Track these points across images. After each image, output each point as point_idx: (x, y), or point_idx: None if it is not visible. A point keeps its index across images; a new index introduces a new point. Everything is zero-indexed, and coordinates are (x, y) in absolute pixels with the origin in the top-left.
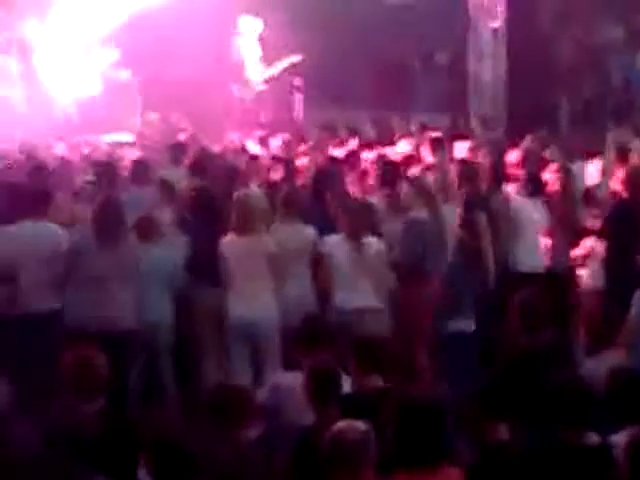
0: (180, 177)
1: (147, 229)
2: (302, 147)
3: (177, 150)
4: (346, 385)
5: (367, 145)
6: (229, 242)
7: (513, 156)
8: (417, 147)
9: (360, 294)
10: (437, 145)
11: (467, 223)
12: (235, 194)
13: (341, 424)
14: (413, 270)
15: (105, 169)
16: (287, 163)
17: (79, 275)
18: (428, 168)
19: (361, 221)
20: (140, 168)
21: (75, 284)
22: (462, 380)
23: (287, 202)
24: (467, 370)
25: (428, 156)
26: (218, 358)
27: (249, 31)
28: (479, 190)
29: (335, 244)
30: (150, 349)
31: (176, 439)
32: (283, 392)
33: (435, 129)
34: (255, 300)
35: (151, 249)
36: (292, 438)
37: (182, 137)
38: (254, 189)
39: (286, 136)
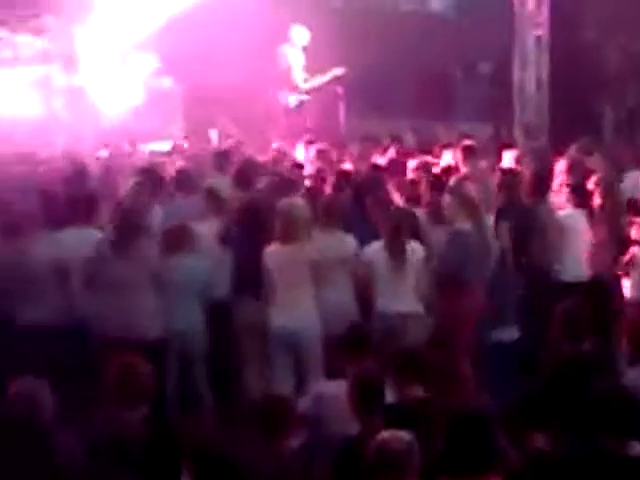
0: (226, 186)
1: (179, 238)
2: (343, 155)
3: (222, 158)
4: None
5: (409, 154)
6: (272, 252)
7: (559, 165)
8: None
9: (401, 299)
10: (468, 154)
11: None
12: (279, 204)
13: (386, 434)
14: (454, 280)
15: (147, 177)
16: (327, 172)
17: (99, 282)
18: (466, 177)
19: (402, 227)
20: (184, 177)
21: (96, 291)
22: (504, 389)
23: (328, 210)
24: (509, 379)
25: (463, 165)
26: (259, 368)
27: (297, 40)
28: (517, 199)
29: (376, 251)
30: (183, 358)
31: (219, 448)
32: (326, 401)
33: (477, 138)
34: (297, 309)
35: (183, 258)
36: (335, 447)
37: (227, 144)
38: (297, 198)
39: (326, 145)
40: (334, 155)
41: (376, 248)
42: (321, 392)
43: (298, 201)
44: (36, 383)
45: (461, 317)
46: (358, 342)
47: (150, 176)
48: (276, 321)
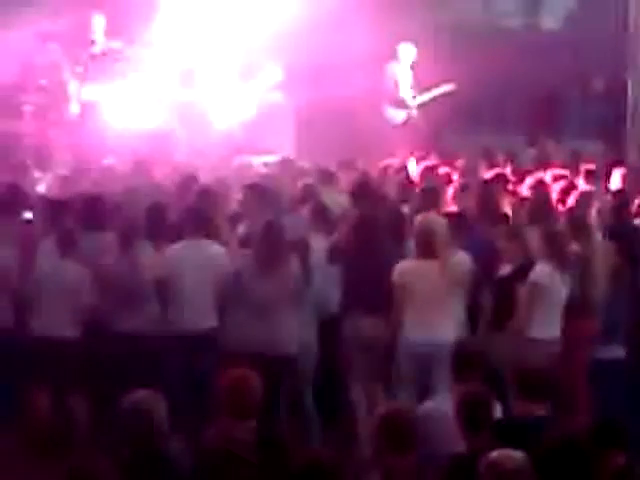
0: (336, 201)
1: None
2: (452, 171)
3: (327, 174)
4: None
5: (524, 171)
6: (407, 267)
7: None
8: (570, 175)
9: None
10: (591, 177)
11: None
12: (417, 219)
13: (498, 452)
14: (575, 304)
15: (257, 192)
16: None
17: (241, 298)
18: (582, 197)
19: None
20: (306, 192)
21: (236, 307)
22: (612, 407)
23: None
24: (617, 397)
25: (582, 186)
26: (366, 384)
27: (405, 58)
28: (628, 218)
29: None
30: (295, 374)
31: (328, 464)
32: (434, 419)
33: (588, 156)
34: (433, 325)
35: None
36: (442, 465)
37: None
38: (435, 214)
39: (435, 160)
40: (444, 171)
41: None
42: (429, 409)
43: (437, 217)
44: (151, 395)
45: (581, 340)
46: (466, 360)
47: (258, 192)
48: (411, 336)
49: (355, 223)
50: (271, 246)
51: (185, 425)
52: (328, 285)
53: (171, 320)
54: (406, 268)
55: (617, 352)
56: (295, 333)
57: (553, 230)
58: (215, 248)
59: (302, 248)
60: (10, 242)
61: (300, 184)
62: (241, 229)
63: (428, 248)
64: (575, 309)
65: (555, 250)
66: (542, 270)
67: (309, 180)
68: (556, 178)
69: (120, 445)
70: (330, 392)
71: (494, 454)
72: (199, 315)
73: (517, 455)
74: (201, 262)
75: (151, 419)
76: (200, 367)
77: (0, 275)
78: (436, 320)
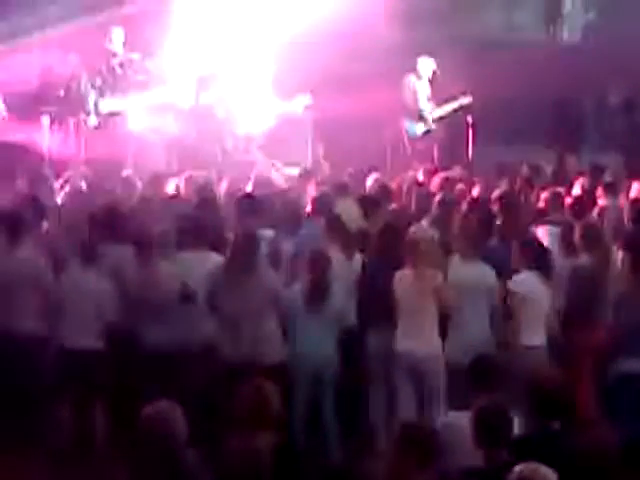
0: (351, 212)
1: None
2: (472, 183)
3: (342, 185)
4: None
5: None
6: (400, 277)
7: None
8: (590, 188)
9: (535, 332)
10: (611, 191)
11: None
12: (409, 231)
13: (526, 466)
14: (578, 316)
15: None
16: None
17: (220, 308)
18: (602, 211)
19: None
20: (320, 203)
21: (219, 318)
22: (630, 421)
23: (465, 238)
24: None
25: (601, 198)
26: (387, 397)
27: (423, 71)
28: None
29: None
30: (314, 384)
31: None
32: (451, 432)
33: (606, 169)
34: (421, 336)
35: None
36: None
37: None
38: (424, 226)
39: (454, 173)
40: (462, 183)
41: (527, 277)
42: (448, 422)
43: (426, 228)
44: (170, 406)
45: (584, 352)
46: (483, 374)
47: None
48: (401, 346)
49: (379, 235)
50: (240, 257)
51: (204, 436)
52: (346, 297)
53: (189, 332)
54: (398, 278)
55: (636, 365)
56: (274, 342)
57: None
58: (215, 259)
59: (323, 261)
60: (37, 252)
61: (315, 195)
62: None
63: (415, 259)
64: (580, 319)
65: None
66: (523, 279)
67: (324, 191)
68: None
69: (139, 457)
70: (350, 404)
71: (522, 468)
72: (205, 328)
73: (545, 469)
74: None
75: (170, 430)
76: (212, 378)
77: (32, 284)
78: (422, 331)
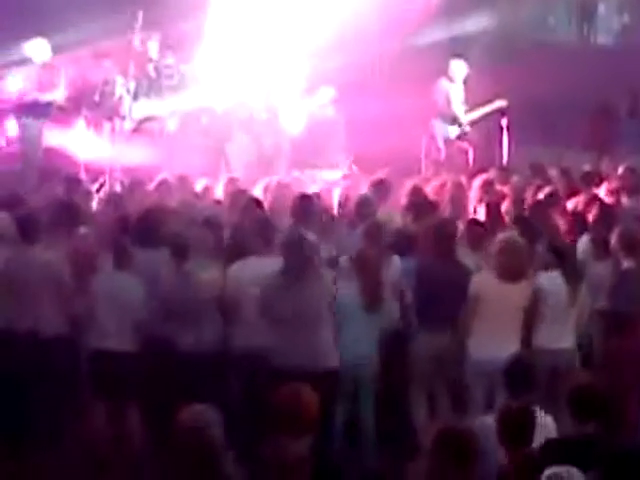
0: (391, 216)
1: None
2: (505, 188)
3: (381, 187)
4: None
5: (575, 186)
6: (484, 282)
7: None
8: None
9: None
10: None
11: None
12: (499, 236)
13: (556, 470)
14: (624, 320)
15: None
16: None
17: (273, 313)
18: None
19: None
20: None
21: (272, 322)
22: None
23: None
24: None
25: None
26: (428, 402)
27: (456, 74)
28: None
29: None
30: (355, 387)
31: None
32: (484, 433)
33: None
34: (503, 342)
35: None
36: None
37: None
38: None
39: (489, 176)
40: (499, 186)
41: (553, 276)
42: (481, 424)
43: (517, 236)
44: (207, 410)
45: (630, 357)
46: (519, 376)
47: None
48: (478, 352)
49: (431, 237)
50: (296, 259)
51: (241, 441)
52: (391, 299)
53: (229, 338)
54: (483, 281)
55: None
56: (331, 346)
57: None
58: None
59: (376, 261)
60: (64, 255)
61: (357, 200)
62: None
63: (508, 267)
64: (621, 325)
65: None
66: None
67: (366, 196)
68: (609, 193)
69: (175, 461)
70: (391, 406)
71: (553, 471)
72: (255, 333)
73: (576, 473)
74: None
75: (207, 435)
76: (254, 384)
77: (53, 285)
78: (504, 338)
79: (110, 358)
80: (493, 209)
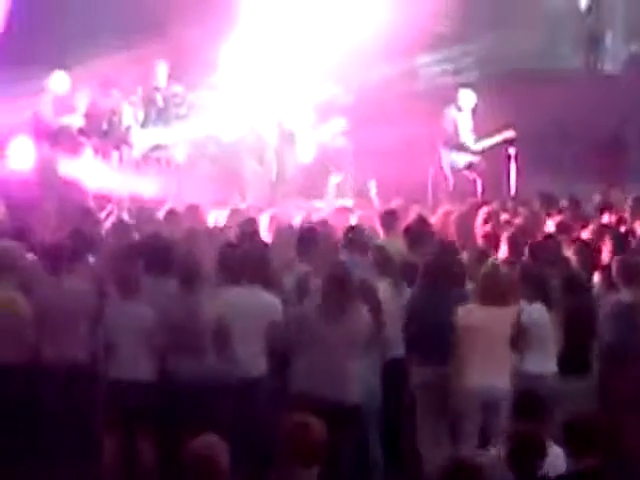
0: (396, 245)
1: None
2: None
3: (390, 217)
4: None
5: (585, 217)
6: (470, 311)
7: None
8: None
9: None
10: None
11: None
12: (484, 265)
13: None
14: (620, 352)
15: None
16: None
17: (305, 343)
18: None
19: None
20: (354, 234)
21: (301, 352)
22: None
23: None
24: None
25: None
26: (434, 430)
27: (464, 103)
28: None
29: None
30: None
31: None
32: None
33: None
34: (493, 371)
35: None
36: None
37: (395, 204)
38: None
39: (496, 206)
40: (505, 217)
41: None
42: (486, 456)
43: (500, 264)
44: (215, 441)
45: (628, 388)
46: (527, 407)
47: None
48: (470, 381)
49: (424, 267)
50: (335, 290)
51: (247, 473)
52: (393, 328)
53: (224, 367)
54: (468, 311)
55: None
56: (360, 381)
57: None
58: (268, 296)
59: (370, 291)
60: (91, 285)
61: (359, 228)
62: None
63: (490, 294)
64: (619, 356)
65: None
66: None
67: (365, 225)
68: (617, 223)
69: None
70: (394, 436)
71: None
72: (250, 362)
73: None
74: (254, 310)
75: (215, 465)
76: (253, 414)
77: (80, 315)
78: (494, 367)
79: (122, 386)
80: (506, 240)
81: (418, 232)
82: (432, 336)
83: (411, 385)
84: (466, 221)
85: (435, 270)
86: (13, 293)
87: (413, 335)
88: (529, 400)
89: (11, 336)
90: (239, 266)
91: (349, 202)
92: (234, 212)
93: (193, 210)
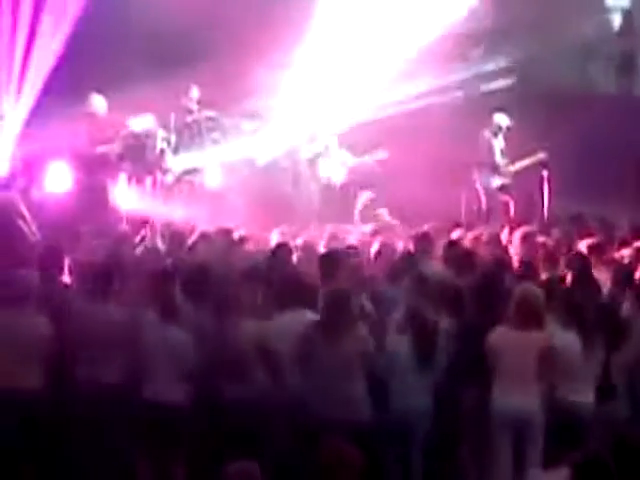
0: (434, 269)
1: None
2: (546, 240)
3: (425, 242)
4: None
5: (621, 240)
6: (501, 334)
7: None
8: None
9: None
10: None
11: None
12: (517, 288)
13: None
14: None
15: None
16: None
17: (311, 366)
18: None
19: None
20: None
21: (308, 375)
22: None
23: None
24: None
25: None
26: (478, 458)
27: (499, 125)
28: None
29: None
30: (403, 440)
31: None
32: None
33: None
34: (523, 394)
35: None
36: None
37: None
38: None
39: (531, 228)
40: (540, 239)
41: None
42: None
43: (535, 287)
44: (251, 466)
45: None
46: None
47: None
48: (500, 404)
49: (475, 292)
50: (334, 312)
51: None
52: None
53: (272, 390)
54: (499, 335)
55: None
56: (363, 401)
57: None
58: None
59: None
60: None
61: (400, 253)
62: None
63: (523, 317)
64: None
65: None
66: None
67: (409, 249)
68: None
69: None
70: (439, 458)
71: None
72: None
73: None
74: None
75: None
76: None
77: (121, 338)
78: (524, 390)
79: (159, 409)
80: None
81: (461, 258)
82: (478, 361)
83: (459, 412)
84: (499, 243)
85: (482, 295)
86: (37, 319)
87: (461, 360)
88: (565, 427)
89: (35, 362)
90: (284, 291)
91: (380, 224)
92: (267, 236)
93: (226, 234)
